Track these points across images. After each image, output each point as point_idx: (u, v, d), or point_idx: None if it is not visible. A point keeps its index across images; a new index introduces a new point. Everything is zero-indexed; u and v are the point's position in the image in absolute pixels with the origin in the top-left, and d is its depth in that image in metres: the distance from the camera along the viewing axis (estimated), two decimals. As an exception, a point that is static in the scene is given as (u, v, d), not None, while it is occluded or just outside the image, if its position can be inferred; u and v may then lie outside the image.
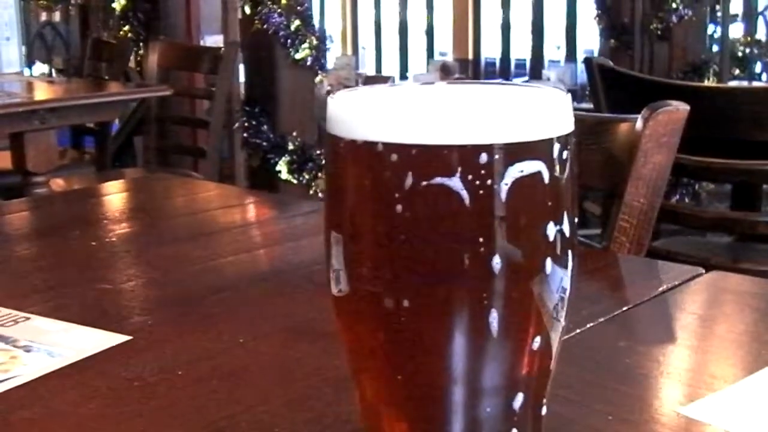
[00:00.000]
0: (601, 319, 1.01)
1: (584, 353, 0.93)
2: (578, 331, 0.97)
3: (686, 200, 4.88)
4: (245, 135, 5.36)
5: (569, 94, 0.54)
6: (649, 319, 1.07)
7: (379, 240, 0.52)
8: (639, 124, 1.38)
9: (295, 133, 5.47)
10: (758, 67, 7.50)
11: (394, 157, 0.51)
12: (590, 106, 3.34)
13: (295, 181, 5.40)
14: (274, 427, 0.78)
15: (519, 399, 0.55)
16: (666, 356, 0.94)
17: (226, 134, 5.30)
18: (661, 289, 1.11)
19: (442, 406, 0.54)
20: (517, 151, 0.51)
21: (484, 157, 0.50)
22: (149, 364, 0.92)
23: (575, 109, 0.55)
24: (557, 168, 0.53)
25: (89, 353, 0.94)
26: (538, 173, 0.52)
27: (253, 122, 5.31)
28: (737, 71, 7.06)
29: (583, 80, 6.59)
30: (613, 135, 1.45)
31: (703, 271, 1.16)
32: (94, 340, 0.98)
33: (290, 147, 5.43)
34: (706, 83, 5.92)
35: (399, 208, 0.51)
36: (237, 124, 5.45)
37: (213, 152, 4.28)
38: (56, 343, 0.97)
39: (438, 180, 0.50)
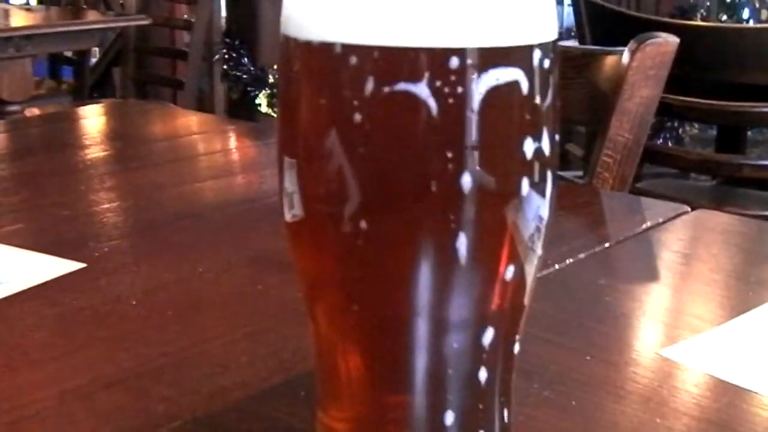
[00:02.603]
0: (581, 256, 0.96)
1: (562, 291, 0.88)
2: (557, 267, 0.92)
3: (669, 144, 4.84)
4: (225, 67, 5.27)
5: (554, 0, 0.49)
6: (632, 256, 1.02)
7: (334, 154, 0.46)
8: (626, 57, 1.32)
9: (276, 67, 5.38)
10: (746, 13, 7.41)
11: (354, 60, 0.45)
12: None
13: (275, 115, 5.32)
14: (228, 362, 0.73)
15: (489, 334, 0.50)
16: (648, 296, 0.90)
17: (205, 66, 5.22)
18: (644, 226, 1.06)
19: (403, 340, 0.49)
20: (492, 57, 0.45)
21: (455, 62, 0.44)
22: (102, 293, 0.87)
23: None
24: (537, 78, 0.47)
25: (40, 281, 0.89)
26: (516, 83, 0.46)
27: (234, 54, 5.22)
28: (725, 17, 6.98)
29: (569, 23, 6.51)
30: (598, 68, 1.40)
31: (689, 209, 1.12)
32: (47, 268, 0.93)
33: (270, 80, 5.35)
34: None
35: (358, 117, 0.45)
36: (217, 56, 5.37)
37: (191, 84, 4.22)
38: (5, 271, 0.92)
39: (402, 86, 0.44)
